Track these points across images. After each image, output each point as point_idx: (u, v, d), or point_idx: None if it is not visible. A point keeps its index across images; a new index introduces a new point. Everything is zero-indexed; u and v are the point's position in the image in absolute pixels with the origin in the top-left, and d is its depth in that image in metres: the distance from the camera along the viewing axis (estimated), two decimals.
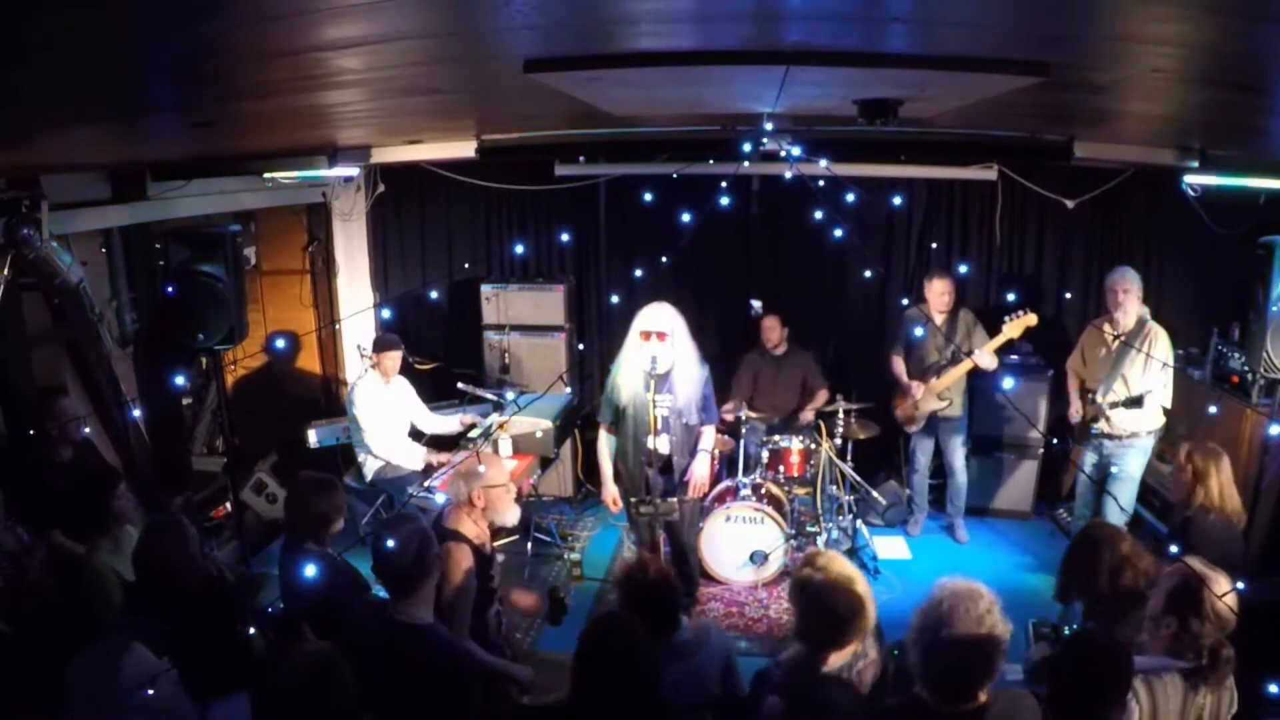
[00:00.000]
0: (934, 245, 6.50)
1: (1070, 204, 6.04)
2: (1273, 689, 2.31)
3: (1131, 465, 4.83)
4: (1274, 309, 4.54)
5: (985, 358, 5.42)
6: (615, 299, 6.31)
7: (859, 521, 5.79)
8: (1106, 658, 2.17)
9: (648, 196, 5.27)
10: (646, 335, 4.28)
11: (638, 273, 5.98)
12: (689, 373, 4.39)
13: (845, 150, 4.43)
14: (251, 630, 3.16)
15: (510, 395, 5.67)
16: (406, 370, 5.78)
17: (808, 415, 6.11)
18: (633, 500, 4.49)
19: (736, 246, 6.66)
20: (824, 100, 2.85)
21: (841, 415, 5.68)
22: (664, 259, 4.98)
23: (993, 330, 5.44)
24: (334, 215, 6.78)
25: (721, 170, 4.75)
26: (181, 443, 5.86)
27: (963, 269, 5.89)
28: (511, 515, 3.57)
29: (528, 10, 1.55)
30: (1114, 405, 4.81)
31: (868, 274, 6.33)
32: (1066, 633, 3.18)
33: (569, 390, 6.33)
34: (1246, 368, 4.81)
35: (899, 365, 5.80)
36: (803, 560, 2.70)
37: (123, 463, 4.73)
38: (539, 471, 5.84)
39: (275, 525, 5.77)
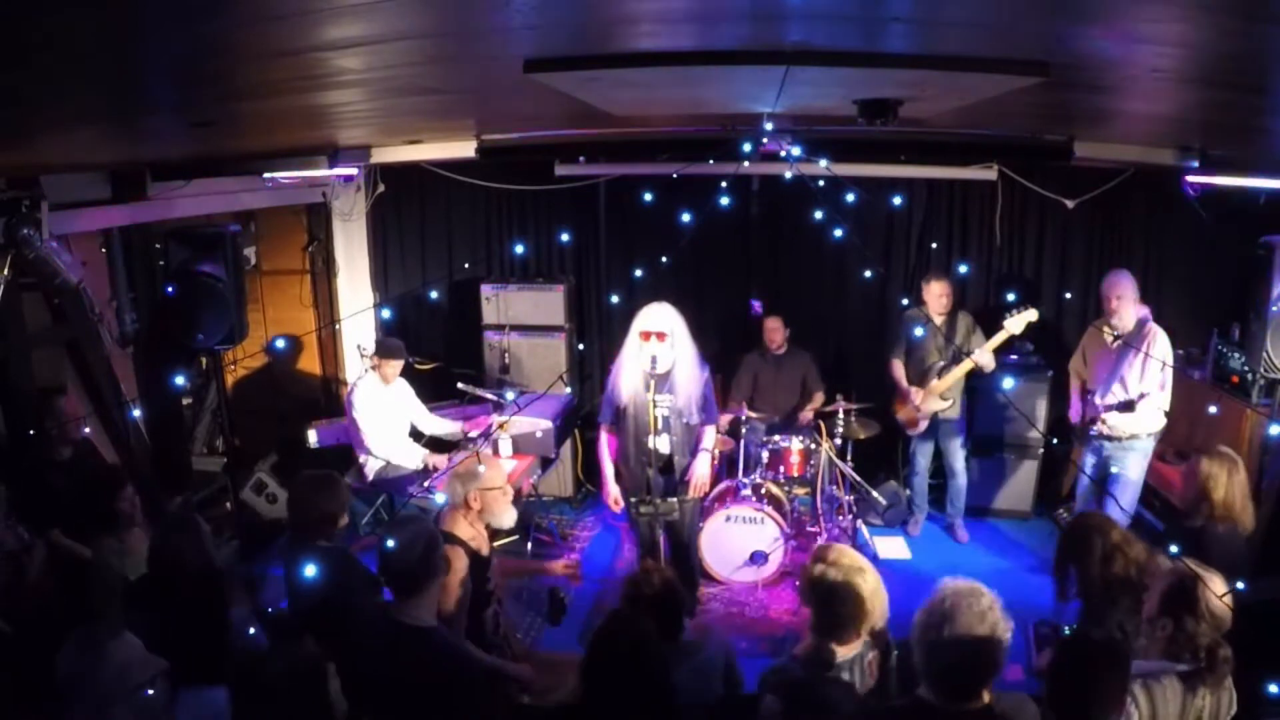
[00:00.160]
0: (934, 245, 6.50)
1: (1070, 204, 6.04)
2: (1272, 689, 2.31)
3: (1131, 467, 4.82)
4: (1274, 309, 4.54)
5: (985, 357, 5.42)
6: (615, 299, 6.31)
7: (859, 521, 5.79)
8: (1105, 659, 2.17)
9: (648, 196, 5.27)
10: (646, 335, 4.28)
11: (638, 273, 5.98)
12: (689, 373, 4.39)
13: (845, 150, 4.43)
14: (251, 630, 3.16)
15: (510, 395, 5.66)
16: (406, 370, 5.77)
17: (806, 415, 6.11)
18: (633, 500, 4.49)
19: (736, 246, 6.66)
20: (824, 100, 2.85)
21: (841, 415, 5.68)
22: (664, 259, 4.98)
23: (993, 329, 5.44)
24: (334, 215, 6.78)
25: (721, 170, 4.75)
26: (181, 443, 5.87)
27: (963, 269, 5.89)
28: (508, 518, 3.56)
29: (527, 10, 1.56)
30: (1108, 408, 4.81)
31: (868, 274, 6.33)
32: (1067, 633, 3.18)
33: (569, 390, 6.33)
34: (1246, 368, 4.81)
35: (898, 369, 5.79)
36: (814, 554, 2.70)
37: (123, 463, 4.73)
38: (539, 471, 5.84)
39: (275, 525, 5.77)
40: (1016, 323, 5.29)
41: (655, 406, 4.24)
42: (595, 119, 3.70)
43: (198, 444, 6.22)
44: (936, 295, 5.58)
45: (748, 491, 5.36)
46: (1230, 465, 3.47)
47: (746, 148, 3.53)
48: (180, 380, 5.49)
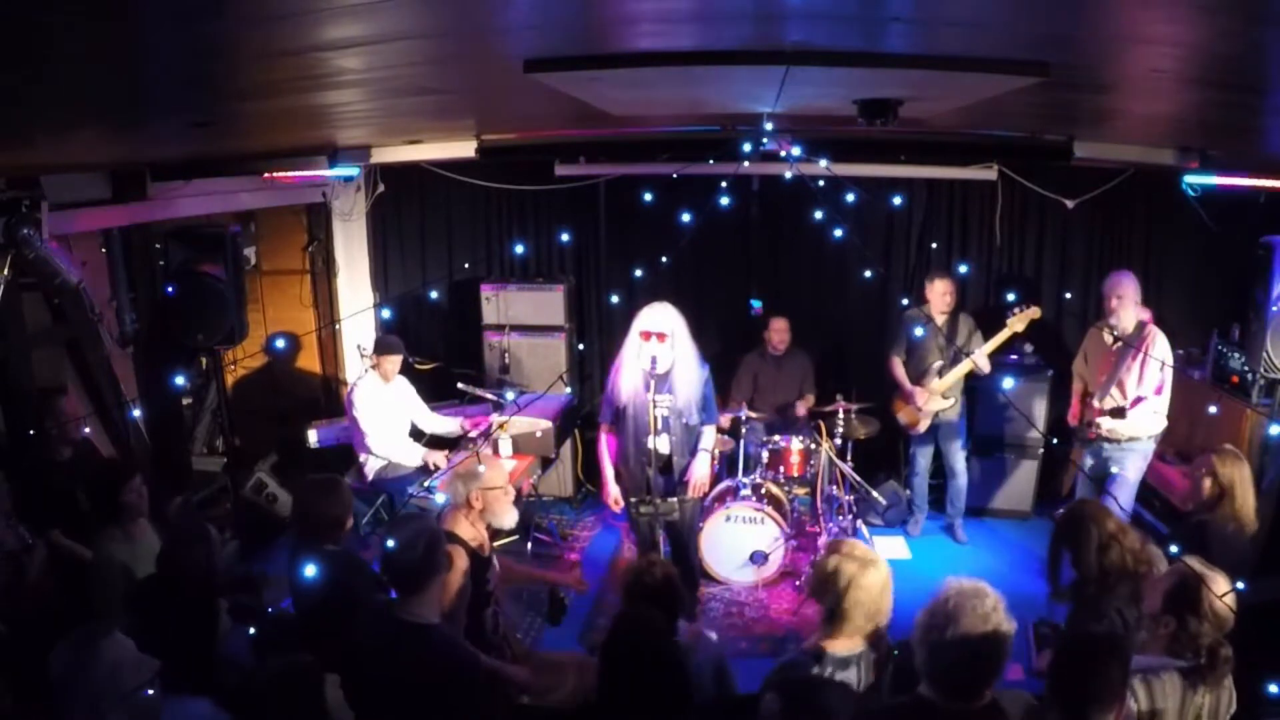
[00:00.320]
0: (934, 245, 6.50)
1: (1070, 204, 6.05)
2: (1273, 689, 2.31)
3: (1130, 468, 4.80)
4: (1274, 309, 4.54)
5: (983, 359, 5.42)
6: (615, 299, 6.31)
7: (859, 521, 5.79)
8: (1106, 654, 2.18)
9: (648, 196, 5.27)
10: (647, 335, 4.28)
11: (638, 273, 5.97)
12: (689, 373, 4.39)
13: (845, 150, 4.43)
14: (251, 630, 3.17)
15: (510, 395, 5.66)
16: (407, 370, 5.77)
17: (800, 409, 6.11)
18: (633, 500, 4.49)
19: (736, 246, 6.66)
20: (824, 100, 2.85)
21: (841, 415, 5.68)
22: (664, 259, 4.98)
23: (995, 330, 5.45)
24: (334, 215, 6.78)
25: (721, 170, 4.75)
26: (181, 443, 5.86)
27: (963, 269, 5.89)
28: (509, 518, 3.56)
29: (527, 10, 1.55)
30: (1102, 413, 4.80)
31: (868, 274, 6.32)
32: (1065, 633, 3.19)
33: (569, 390, 6.33)
34: (1246, 368, 4.81)
35: (898, 367, 5.79)
36: (829, 547, 2.70)
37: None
38: (539, 471, 5.84)
39: (275, 525, 5.77)
40: (1020, 320, 5.30)
41: (655, 407, 4.24)
42: (595, 119, 3.70)
43: (198, 444, 6.22)
44: (940, 294, 5.58)
45: (748, 491, 5.36)
46: (1237, 462, 3.49)
47: (746, 148, 3.53)
48: (180, 380, 5.48)
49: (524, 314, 6.56)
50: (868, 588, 2.53)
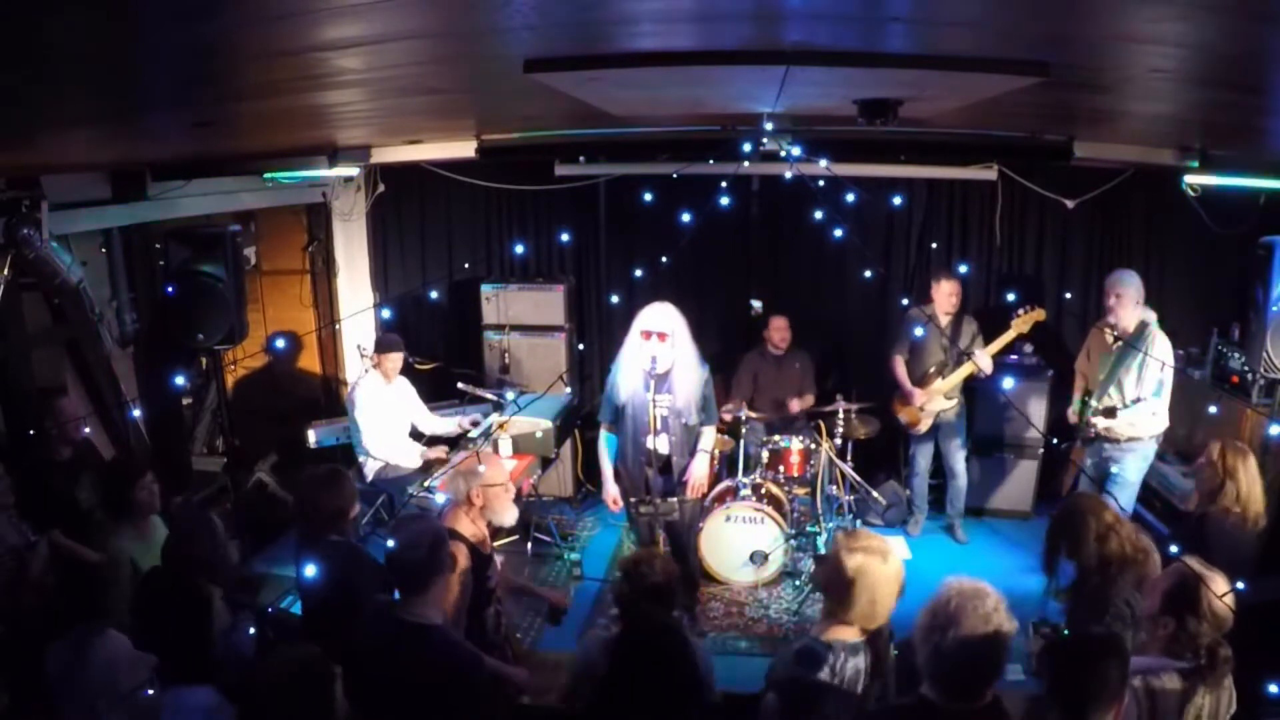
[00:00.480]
0: (934, 245, 6.50)
1: (1070, 204, 6.04)
2: (1273, 689, 2.31)
3: (1130, 470, 4.78)
4: (1274, 309, 4.54)
5: (985, 360, 5.41)
6: (615, 299, 6.31)
7: (859, 521, 5.79)
8: (1105, 654, 2.18)
9: (648, 196, 5.27)
10: (647, 335, 4.28)
11: (638, 273, 5.98)
12: (689, 373, 4.39)
13: (845, 150, 4.43)
14: (251, 630, 3.16)
15: (510, 395, 5.67)
16: (407, 370, 5.77)
17: (795, 406, 6.11)
18: (633, 500, 4.49)
19: (736, 246, 6.66)
20: (824, 100, 2.85)
21: (841, 415, 5.68)
22: (664, 259, 4.98)
23: (1000, 329, 5.44)
24: (334, 215, 6.78)
25: (721, 170, 4.75)
26: (181, 443, 5.86)
27: (963, 269, 5.88)
28: (510, 515, 3.56)
29: (527, 10, 1.56)
30: (1096, 412, 4.79)
31: (868, 274, 6.33)
32: (1066, 633, 3.19)
33: (569, 390, 6.33)
34: (1246, 368, 4.80)
35: (900, 366, 5.78)
36: (845, 536, 2.70)
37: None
38: (539, 471, 5.84)
39: (275, 525, 5.77)
40: (1024, 322, 5.30)
41: (654, 406, 4.24)
42: (595, 119, 3.70)
43: (198, 444, 6.22)
44: (946, 294, 5.58)
45: (747, 491, 5.36)
46: (1243, 454, 3.49)
47: (746, 148, 3.53)
48: (180, 380, 5.48)
49: (524, 314, 6.56)
50: (881, 579, 2.54)
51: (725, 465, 5.99)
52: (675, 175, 5.20)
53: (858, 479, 5.72)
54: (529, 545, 5.83)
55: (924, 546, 5.94)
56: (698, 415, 4.47)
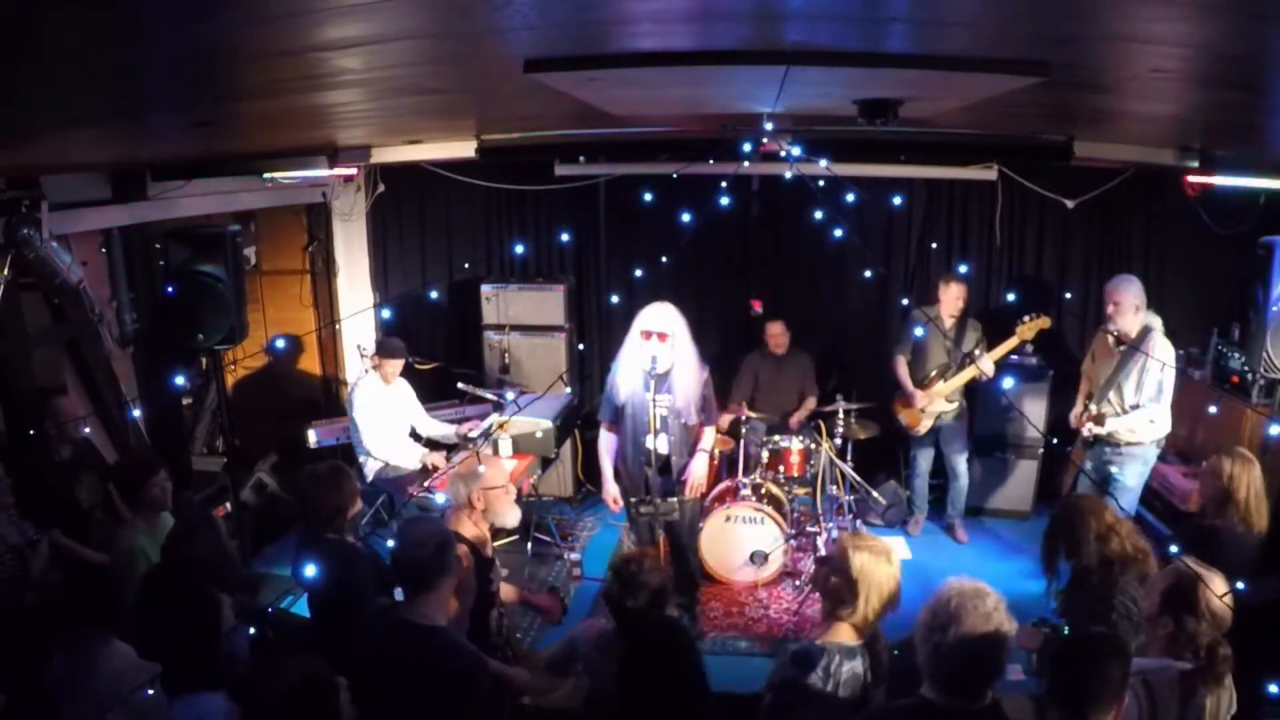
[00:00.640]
0: (934, 245, 6.50)
1: (1070, 204, 6.04)
2: (1273, 689, 2.31)
3: (1130, 474, 4.73)
4: (1274, 309, 4.53)
5: (987, 365, 5.41)
6: (615, 299, 6.31)
7: (859, 522, 5.79)
8: (1106, 655, 2.18)
9: (648, 196, 5.26)
10: (647, 335, 4.29)
11: (638, 273, 5.98)
12: (688, 373, 4.39)
13: (845, 150, 4.43)
14: (251, 630, 3.16)
15: (510, 395, 5.67)
16: (406, 370, 5.77)
17: (798, 419, 6.13)
18: (633, 500, 4.49)
19: (736, 246, 6.66)
20: (824, 100, 2.85)
21: (841, 415, 5.68)
22: (664, 259, 4.98)
23: (1000, 329, 5.44)
24: (334, 215, 6.78)
25: (721, 170, 4.75)
26: (181, 443, 5.86)
27: (963, 269, 5.88)
28: (512, 517, 3.56)
29: (527, 10, 1.55)
30: (1090, 417, 4.77)
31: (868, 274, 6.33)
32: (1066, 633, 3.19)
33: (569, 390, 6.33)
34: (1246, 368, 4.80)
35: (902, 366, 5.77)
36: (848, 540, 2.70)
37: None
38: (539, 471, 5.84)
39: (275, 525, 5.77)
40: (1029, 329, 5.28)
41: (654, 406, 4.24)
42: (595, 119, 3.70)
43: (198, 444, 6.22)
44: (953, 297, 5.57)
45: (748, 491, 5.36)
46: (1249, 465, 3.48)
47: (746, 148, 3.53)
48: (180, 380, 5.48)
49: (524, 314, 6.56)
50: (883, 579, 2.54)
51: (725, 465, 5.99)
52: (675, 175, 5.20)
53: (858, 479, 5.71)
54: (529, 545, 5.83)
55: (924, 546, 5.94)
56: (697, 415, 4.47)
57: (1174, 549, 2.73)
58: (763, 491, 5.40)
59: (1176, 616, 2.45)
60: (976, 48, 2.00)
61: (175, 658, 2.52)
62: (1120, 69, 2.16)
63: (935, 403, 5.64)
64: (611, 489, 4.58)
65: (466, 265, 6.78)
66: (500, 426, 5.39)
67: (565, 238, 6.57)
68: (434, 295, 6.89)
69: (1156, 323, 4.72)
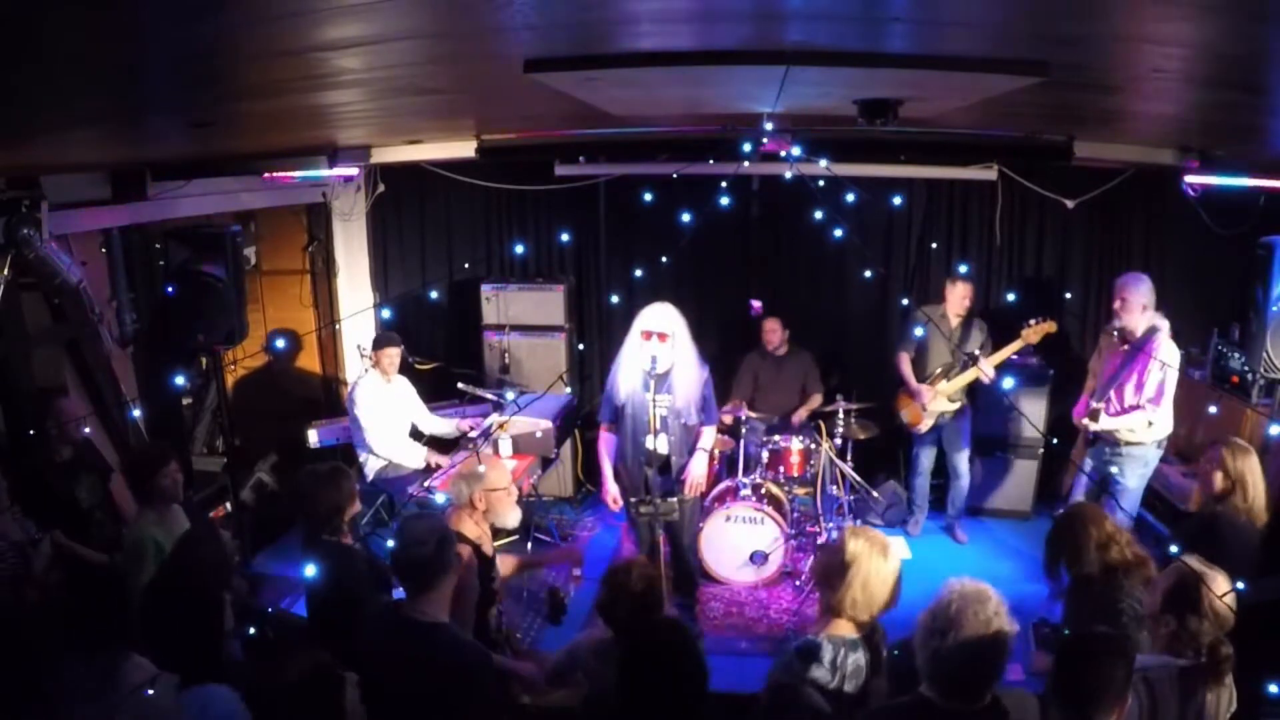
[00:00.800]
0: (934, 245, 6.50)
1: (1070, 204, 6.04)
2: (1273, 689, 2.31)
3: (1130, 475, 4.70)
4: (1274, 309, 4.53)
5: (988, 366, 5.40)
6: (615, 299, 6.32)
7: (859, 522, 5.79)
8: (1108, 656, 2.18)
9: (648, 196, 5.27)
10: (648, 335, 4.29)
11: (638, 273, 5.98)
12: (688, 373, 4.39)
13: (845, 150, 4.42)
14: (252, 630, 3.16)
15: (510, 395, 5.67)
16: (407, 370, 5.77)
17: (800, 416, 6.12)
18: (633, 500, 4.49)
19: (736, 246, 6.66)
20: (824, 100, 2.85)
21: (841, 415, 5.68)
22: (664, 259, 4.98)
23: (1009, 336, 5.44)
24: (334, 215, 6.78)
25: (721, 170, 4.75)
26: (181, 443, 5.86)
27: (963, 269, 5.89)
28: (513, 518, 3.56)
29: (527, 10, 1.55)
30: (1086, 413, 4.76)
31: (868, 274, 6.33)
32: (1067, 633, 3.20)
33: (569, 390, 6.33)
34: (1246, 368, 4.80)
35: (906, 364, 5.76)
36: (848, 529, 2.70)
37: (122, 463, 4.73)
38: (539, 471, 5.84)
39: (275, 525, 5.77)
40: (1034, 333, 5.27)
41: (654, 406, 4.24)
42: (595, 119, 3.70)
43: (198, 444, 6.22)
44: (960, 297, 5.57)
45: (748, 491, 5.36)
46: (1247, 454, 3.50)
47: (746, 148, 3.53)
48: (180, 380, 5.48)
49: (524, 314, 6.56)
50: (888, 573, 2.54)
51: (725, 465, 5.99)
52: (675, 175, 5.21)
53: (858, 479, 5.72)
54: (529, 545, 5.83)
55: (924, 546, 5.94)
56: (697, 415, 4.47)
57: (1174, 549, 2.73)
58: (763, 491, 5.40)
59: (1179, 615, 2.45)
60: (976, 48, 2.00)
61: (180, 658, 2.52)
62: (1121, 69, 2.16)
63: (937, 401, 5.64)
64: (611, 489, 4.58)
65: (466, 265, 6.78)
66: (500, 426, 5.39)
67: (565, 238, 6.57)
68: (434, 295, 6.90)
69: (1164, 325, 4.65)
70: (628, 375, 4.39)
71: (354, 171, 6.17)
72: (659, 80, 2.39)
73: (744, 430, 5.68)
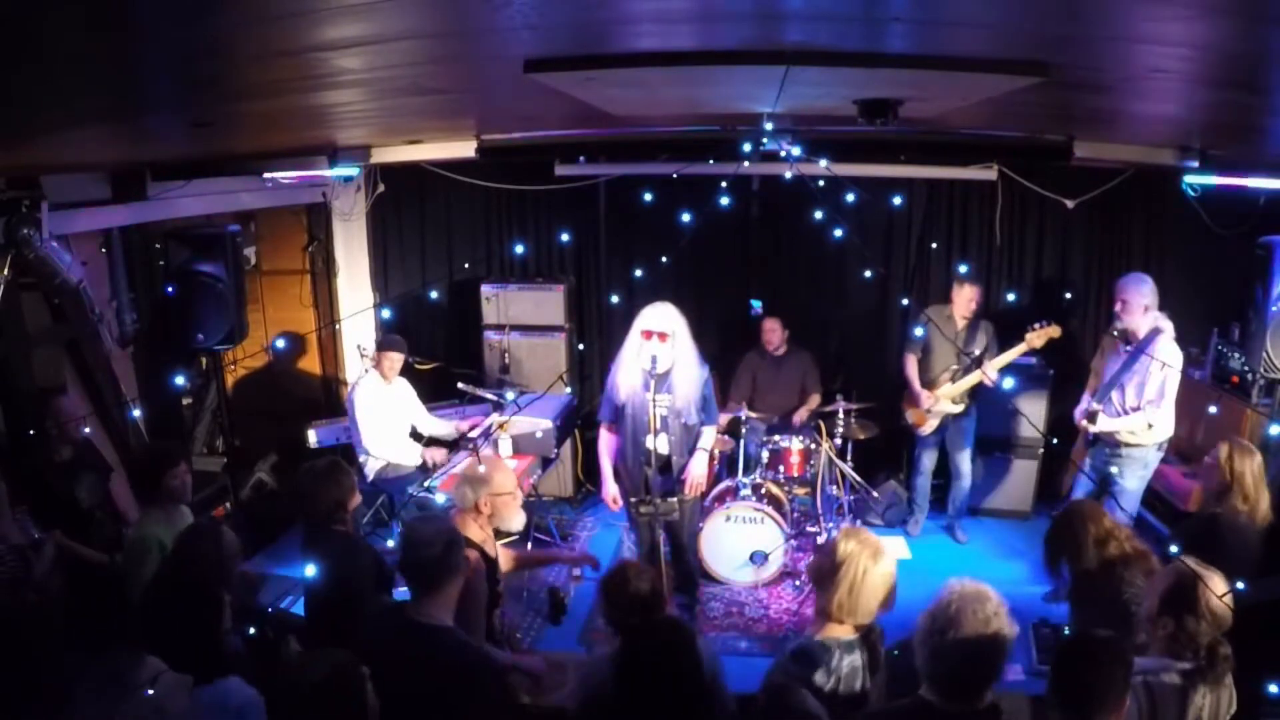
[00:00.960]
0: (934, 245, 6.50)
1: (1070, 204, 6.04)
2: (1273, 689, 2.31)
3: (1130, 477, 4.69)
4: (1274, 309, 4.53)
5: (993, 370, 5.40)
6: (615, 299, 6.32)
7: (859, 521, 5.79)
8: (1107, 657, 2.18)
9: (648, 196, 5.26)
10: (648, 335, 4.29)
11: (638, 273, 5.98)
12: (688, 373, 4.39)
13: (845, 150, 4.42)
14: (251, 630, 3.16)
15: (510, 395, 5.67)
16: (407, 370, 5.77)
17: (800, 416, 6.12)
18: (633, 500, 4.50)
19: (736, 246, 6.66)
20: (824, 100, 2.85)
21: (841, 415, 5.68)
22: (664, 259, 4.98)
23: (1010, 337, 5.43)
24: (334, 215, 6.78)
25: (721, 170, 4.75)
26: (181, 443, 5.86)
27: (963, 269, 5.89)
28: (518, 521, 3.55)
29: (528, 10, 1.55)
30: (1088, 414, 4.76)
31: (868, 274, 6.33)
32: (1067, 633, 3.20)
33: (569, 390, 6.33)
34: (1246, 368, 4.80)
35: (912, 366, 5.75)
36: (841, 534, 2.70)
37: (122, 463, 4.73)
38: (539, 471, 5.84)
39: (275, 525, 5.77)
40: (1038, 337, 5.27)
41: (654, 406, 4.24)
42: (595, 119, 3.69)
43: (198, 444, 6.22)
44: (966, 299, 5.56)
45: (748, 491, 5.36)
46: (1249, 454, 3.50)
47: (746, 148, 3.53)
48: (180, 380, 5.48)
49: (524, 314, 6.56)
50: (879, 577, 2.54)
51: (725, 465, 5.99)
52: (675, 175, 5.20)
53: (858, 479, 5.72)
54: (529, 545, 5.83)
55: (924, 546, 5.94)
56: (697, 415, 4.47)
57: (1174, 549, 2.73)
58: (763, 491, 5.40)
59: (1177, 616, 2.45)
60: (976, 48, 2.00)
61: (181, 653, 2.52)
62: (1120, 69, 2.16)
63: (941, 404, 5.63)
64: (611, 489, 4.58)
65: (466, 265, 6.78)
66: (500, 426, 5.39)
67: (565, 238, 6.57)
68: (434, 295, 6.90)
69: (1168, 326, 4.64)
70: (628, 375, 4.39)
71: (354, 171, 6.16)
72: (659, 80, 2.39)
73: (744, 430, 5.68)
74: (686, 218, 4.62)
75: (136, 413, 5.03)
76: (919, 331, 5.64)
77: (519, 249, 6.72)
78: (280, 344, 6.60)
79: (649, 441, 4.28)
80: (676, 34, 1.96)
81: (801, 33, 1.94)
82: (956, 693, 2.10)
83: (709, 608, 5.17)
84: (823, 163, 3.78)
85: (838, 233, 4.89)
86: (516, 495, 3.54)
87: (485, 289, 6.57)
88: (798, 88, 2.42)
